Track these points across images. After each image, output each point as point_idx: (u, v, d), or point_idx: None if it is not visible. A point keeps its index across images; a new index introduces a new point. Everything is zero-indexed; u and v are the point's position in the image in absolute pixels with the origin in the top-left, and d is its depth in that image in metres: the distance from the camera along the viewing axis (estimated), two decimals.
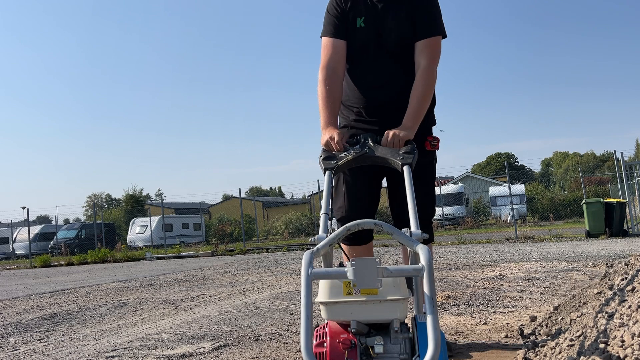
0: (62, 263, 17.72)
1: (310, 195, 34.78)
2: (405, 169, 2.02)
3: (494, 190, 31.91)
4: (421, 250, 1.51)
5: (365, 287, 1.48)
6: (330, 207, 1.99)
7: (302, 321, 1.43)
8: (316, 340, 1.68)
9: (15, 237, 29.70)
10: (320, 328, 1.74)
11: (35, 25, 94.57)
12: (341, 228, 1.67)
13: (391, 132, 2.17)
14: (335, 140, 2.17)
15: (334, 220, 2.54)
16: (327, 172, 2.10)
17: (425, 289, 1.44)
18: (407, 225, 2.21)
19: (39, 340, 3.71)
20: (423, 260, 1.47)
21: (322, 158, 2.14)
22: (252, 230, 30.85)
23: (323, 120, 2.29)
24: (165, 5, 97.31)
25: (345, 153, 2.12)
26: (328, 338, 1.67)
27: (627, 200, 13.90)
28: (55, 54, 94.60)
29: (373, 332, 1.63)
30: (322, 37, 2.44)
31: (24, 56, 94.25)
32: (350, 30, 2.40)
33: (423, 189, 2.41)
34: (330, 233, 1.72)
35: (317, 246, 1.65)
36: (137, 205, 44.15)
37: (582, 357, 1.85)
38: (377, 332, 1.63)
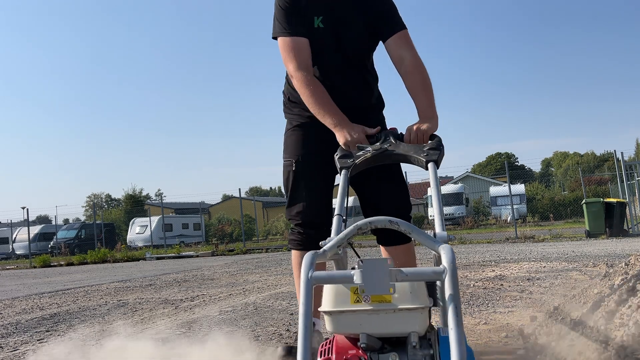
0: (62, 263, 17.71)
1: None
2: (430, 166, 1.90)
3: (494, 190, 31.92)
4: (444, 250, 1.32)
5: (375, 292, 1.29)
6: (345, 207, 1.87)
7: (299, 334, 1.25)
8: (321, 357, 1.44)
9: (15, 237, 29.69)
10: (326, 343, 1.47)
11: (38, 24, 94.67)
12: (352, 226, 1.52)
13: (415, 127, 2.04)
14: (356, 138, 2.04)
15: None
16: (343, 172, 2.00)
17: (448, 295, 1.24)
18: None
19: (38, 340, 3.71)
20: (445, 262, 1.28)
21: (338, 157, 2.03)
22: (252, 230, 30.85)
23: (333, 118, 2.13)
24: (166, 6, 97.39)
25: (364, 151, 2.00)
26: (334, 355, 1.42)
27: (627, 200, 13.90)
28: (57, 55, 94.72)
29: (387, 348, 1.39)
30: (284, 37, 2.26)
31: (25, 55, 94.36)
32: (307, 29, 2.26)
33: (401, 186, 2.37)
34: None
35: (324, 247, 1.48)
36: (137, 205, 44.16)
37: (582, 357, 1.85)
38: (391, 348, 1.38)
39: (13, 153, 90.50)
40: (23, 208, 35.92)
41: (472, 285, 5.02)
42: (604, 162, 47.25)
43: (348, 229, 1.52)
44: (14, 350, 3.39)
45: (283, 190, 2.49)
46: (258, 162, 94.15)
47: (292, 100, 2.45)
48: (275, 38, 2.32)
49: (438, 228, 1.59)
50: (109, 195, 67.67)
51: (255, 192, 65.32)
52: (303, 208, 2.32)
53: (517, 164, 55.94)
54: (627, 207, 13.39)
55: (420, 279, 1.32)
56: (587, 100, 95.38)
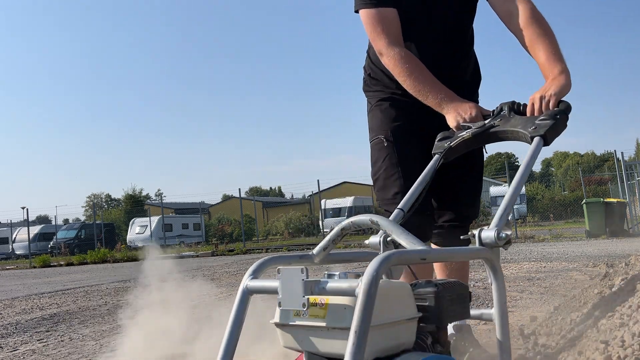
0: (62, 263, 17.72)
1: (310, 195, 34.83)
2: (535, 141, 1.57)
3: (494, 190, 31.92)
4: (372, 264, 1.03)
5: (289, 306, 1.16)
6: (416, 200, 1.62)
7: (221, 346, 1.20)
8: None
9: (15, 237, 29.68)
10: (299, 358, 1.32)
11: (35, 24, 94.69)
12: (336, 228, 1.45)
13: (537, 94, 1.68)
14: (473, 114, 1.73)
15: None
16: (434, 157, 1.75)
17: (355, 317, 0.98)
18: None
19: (38, 340, 3.71)
20: (365, 276, 1.01)
21: (437, 140, 1.78)
22: (252, 230, 30.85)
23: (439, 95, 1.82)
24: (168, 7, 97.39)
25: (466, 132, 1.70)
26: None
27: (627, 200, 13.90)
28: (56, 54, 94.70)
29: None
30: (368, 10, 1.95)
31: (23, 56, 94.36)
32: None
33: (478, 184, 2.15)
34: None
35: (313, 251, 1.41)
36: (136, 205, 44.19)
37: (582, 357, 1.85)
38: None
39: (13, 153, 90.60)
40: (23, 208, 35.91)
41: (472, 285, 5.02)
42: (604, 162, 47.26)
43: (333, 231, 1.46)
44: (14, 350, 3.39)
45: (371, 176, 2.16)
46: (258, 162, 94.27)
47: (373, 77, 2.18)
48: (357, 11, 2.02)
49: (492, 225, 1.34)
50: (108, 195, 67.68)
51: (255, 192, 65.30)
52: (400, 188, 1.95)
53: (517, 164, 55.90)
54: (627, 207, 13.40)
55: (335, 292, 1.11)
56: (587, 100, 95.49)
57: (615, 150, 16.37)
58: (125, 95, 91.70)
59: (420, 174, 1.77)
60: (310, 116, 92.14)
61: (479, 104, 1.93)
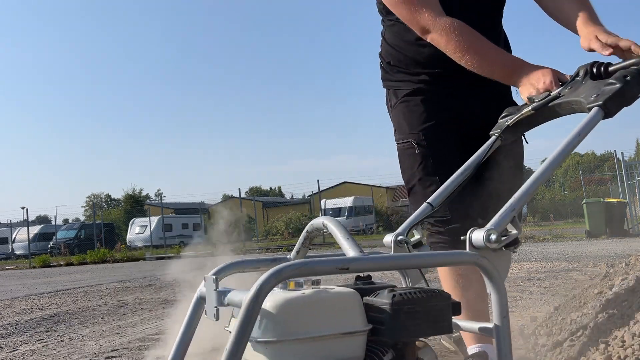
0: (62, 263, 17.72)
1: (310, 195, 34.84)
2: (593, 112, 1.31)
3: None
4: (263, 277, 0.95)
5: (210, 316, 1.12)
6: (455, 189, 1.43)
7: (171, 351, 1.19)
8: None
9: (15, 237, 29.68)
10: None
11: (32, 28, 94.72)
12: (303, 231, 1.40)
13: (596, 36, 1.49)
14: (547, 83, 1.47)
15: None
16: (490, 139, 1.52)
17: (231, 334, 0.93)
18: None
19: (38, 340, 3.70)
20: (250, 291, 0.94)
21: (500, 117, 1.57)
22: (252, 231, 30.87)
23: (508, 64, 1.58)
24: (168, 7, 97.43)
25: (528, 107, 1.45)
26: None
27: (627, 200, 13.91)
28: (57, 54, 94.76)
29: None
30: None
31: (23, 56, 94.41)
32: None
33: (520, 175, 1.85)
34: (420, 227, 1.36)
35: (290, 254, 1.36)
36: (136, 205, 44.21)
37: (582, 358, 1.85)
38: None
39: (13, 153, 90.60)
40: (22, 208, 35.94)
41: None
42: (604, 162, 47.26)
43: (301, 235, 1.41)
44: (14, 351, 3.38)
45: (404, 182, 1.92)
46: (258, 162, 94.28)
47: (394, 65, 1.92)
48: None
49: (489, 224, 1.18)
50: (108, 195, 67.68)
51: (255, 192, 65.31)
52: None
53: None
54: (627, 207, 13.40)
55: (233, 304, 1.07)
56: None
57: (615, 150, 16.42)
58: (125, 95, 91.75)
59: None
60: (310, 116, 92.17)
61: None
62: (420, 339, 1.13)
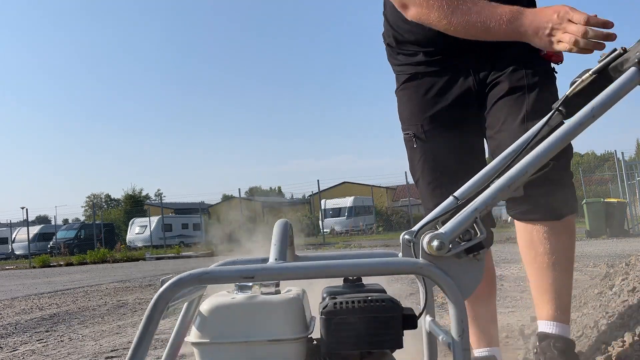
0: (62, 263, 17.73)
1: (310, 195, 34.82)
2: (628, 73, 1.12)
3: None
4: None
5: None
6: (489, 176, 1.23)
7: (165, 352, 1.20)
8: None
9: (15, 237, 29.69)
10: None
11: (35, 26, 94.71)
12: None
13: None
14: (579, 16, 1.25)
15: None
16: (549, 114, 1.28)
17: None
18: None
19: (38, 340, 3.70)
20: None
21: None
22: (253, 230, 30.82)
23: (507, 18, 1.36)
24: (168, 7, 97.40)
25: (589, 73, 1.21)
26: None
27: (627, 200, 13.91)
28: (55, 55, 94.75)
29: None
30: None
31: (22, 56, 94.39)
32: None
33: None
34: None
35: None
36: (136, 205, 44.23)
37: (582, 358, 1.85)
38: None
39: (12, 153, 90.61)
40: (22, 208, 35.95)
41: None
42: (604, 162, 47.25)
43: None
44: (14, 351, 3.38)
45: (411, 177, 1.82)
46: (258, 162, 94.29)
47: (394, 46, 1.78)
48: None
49: (449, 223, 1.06)
50: (108, 195, 67.66)
51: (255, 192, 65.31)
52: (440, 199, 1.47)
53: None
54: (628, 207, 13.41)
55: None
56: None
57: (615, 150, 16.41)
58: (126, 95, 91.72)
59: (472, 167, 1.40)
60: (310, 116, 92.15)
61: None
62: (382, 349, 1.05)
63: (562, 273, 1.58)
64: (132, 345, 0.98)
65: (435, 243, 1.04)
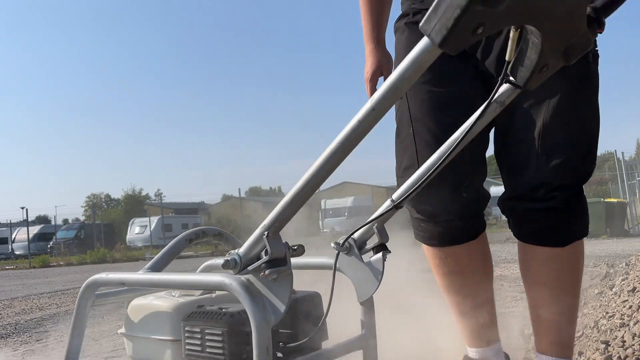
0: (62, 263, 17.72)
1: None
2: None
3: (494, 190, 31.68)
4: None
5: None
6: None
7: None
8: None
9: (15, 238, 29.69)
10: None
11: (32, 28, 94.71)
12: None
13: None
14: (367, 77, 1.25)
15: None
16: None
17: None
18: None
19: (38, 340, 3.70)
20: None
21: None
22: (252, 231, 30.82)
23: (365, 25, 1.38)
24: (168, 7, 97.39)
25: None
26: None
27: (627, 200, 13.91)
28: (55, 55, 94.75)
29: None
30: None
31: (21, 56, 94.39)
32: None
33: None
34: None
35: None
36: (136, 205, 44.22)
37: (582, 357, 1.85)
38: None
39: (12, 153, 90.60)
40: (22, 208, 35.97)
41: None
42: (604, 162, 47.23)
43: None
44: (14, 351, 3.38)
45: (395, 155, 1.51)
46: (258, 162, 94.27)
47: None
48: None
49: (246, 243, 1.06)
50: (108, 195, 67.59)
51: (255, 192, 65.27)
52: (411, 161, 1.40)
53: None
54: (628, 207, 13.40)
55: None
56: None
57: (615, 150, 16.38)
58: (126, 95, 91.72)
59: (453, 123, 1.11)
60: (311, 116, 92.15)
61: None
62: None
63: (564, 303, 1.46)
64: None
65: (231, 259, 1.03)
